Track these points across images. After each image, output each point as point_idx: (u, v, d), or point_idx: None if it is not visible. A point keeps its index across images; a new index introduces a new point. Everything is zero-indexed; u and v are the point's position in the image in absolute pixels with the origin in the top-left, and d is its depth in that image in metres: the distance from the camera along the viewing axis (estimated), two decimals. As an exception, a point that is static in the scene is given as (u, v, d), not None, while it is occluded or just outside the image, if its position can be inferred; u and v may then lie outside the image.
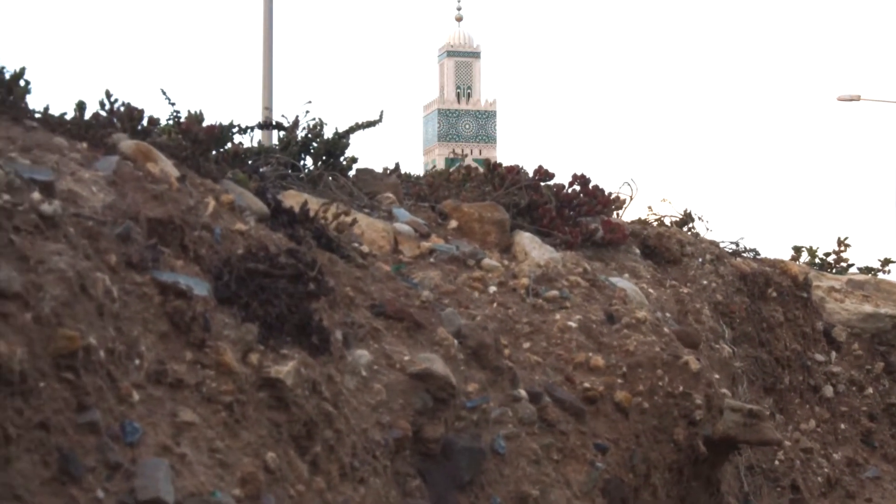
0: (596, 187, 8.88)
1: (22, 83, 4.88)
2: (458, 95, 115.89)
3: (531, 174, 8.38)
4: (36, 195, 3.76)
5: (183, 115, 6.89)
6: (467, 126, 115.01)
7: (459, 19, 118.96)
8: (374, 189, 7.43)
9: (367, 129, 7.32)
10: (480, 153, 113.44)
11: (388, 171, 8.76)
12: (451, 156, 9.38)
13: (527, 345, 5.94)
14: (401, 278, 5.59)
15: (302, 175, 7.01)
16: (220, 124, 5.92)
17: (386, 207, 6.90)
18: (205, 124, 6.25)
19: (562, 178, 8.59)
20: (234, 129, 7.31)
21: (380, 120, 7.45)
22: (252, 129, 7.54)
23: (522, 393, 5.51)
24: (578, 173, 8.79)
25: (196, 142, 5.05)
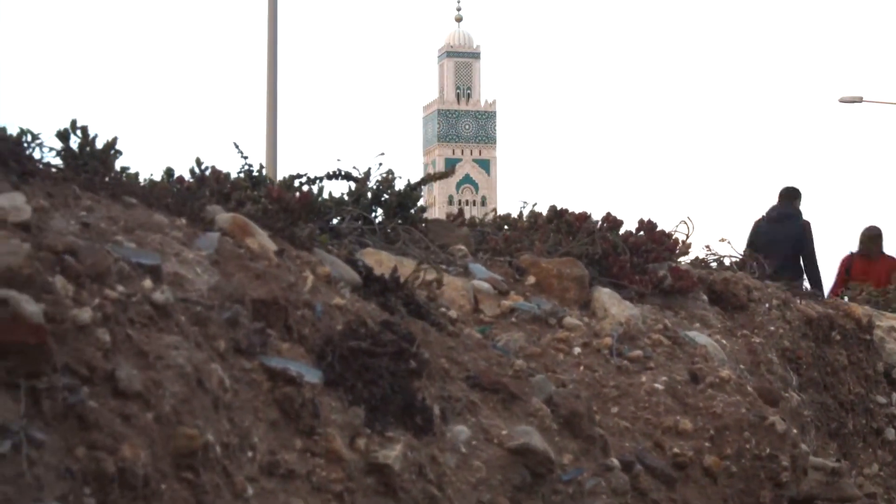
0: (662, 232, 8.76)
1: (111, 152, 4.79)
2: (457, 96, 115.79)
3: (599, 221, 8.26)
4: (147, 283, 3.66)
5: (254, 167, 6.82)
6: (467, 126, 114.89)
7: (459, 20, 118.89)
8: (445, 241, 7.33)
9: (439, 181, 7.21)
10: (480, 154, 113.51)
11: (453, 218, 8.67)
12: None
13: (615, 409, 5.81)
14: (491, 345, 5.47)
15: (375, 227, 6.91)
16: (312, 191, 5.82)
17: (461, 262, 6.78)
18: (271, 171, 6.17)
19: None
20: (302, 180, 7.22)
21: (452, 172, 7.34)
22: (321, 179, 7.46)
23: (615, 462, 5.38)
24: (645, 219, 8.68)
25: (288, 210, 4.95)
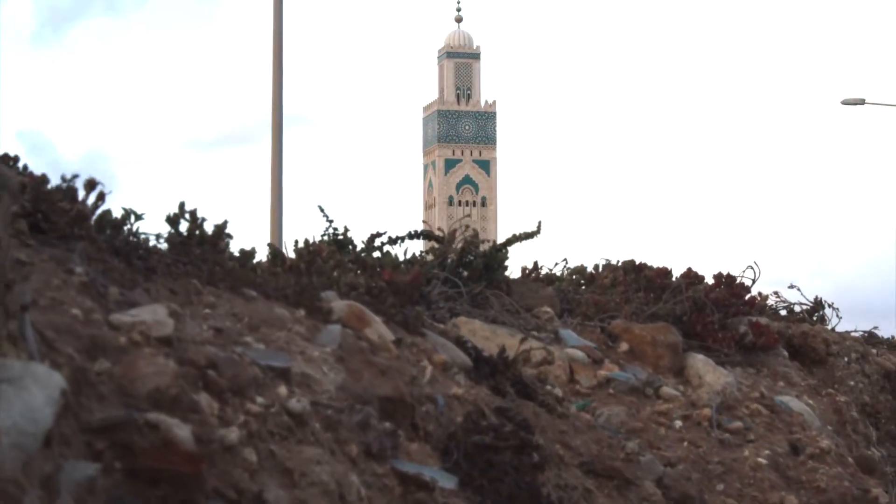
0: (741, 286, 8.61)
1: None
2: (457, 96, 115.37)
3: (678, 277, 8.13)
4: (282, 390, 3.56)
5: (339, 230, 6.72)
6: (467, 127, 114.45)
7: (459, 20, 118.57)
8: (529, 302, 7.21)
9: (525, 241, 7.10)
10: (480, 154, 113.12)
11: (528, 273, 8.54)
12: None
13: (720, 486, 5.67)
14: (600, 426, 5.35)
15: (461, 290, 6.79)
16: (420, 268, 5.71)
17: (551, 328, 6.66)
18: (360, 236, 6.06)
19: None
20: (384, 239, 7.12)
21: (538, 231, 7.23)
22: (402, 239, 7.36)
23: (726, 545, 5.24)
24: (724, 273, 8.54)
25: (398, 293, 4.85)
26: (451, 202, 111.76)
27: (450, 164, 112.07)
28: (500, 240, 8.14)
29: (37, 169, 3.99)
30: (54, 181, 3.87)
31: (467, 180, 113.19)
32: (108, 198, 3.97)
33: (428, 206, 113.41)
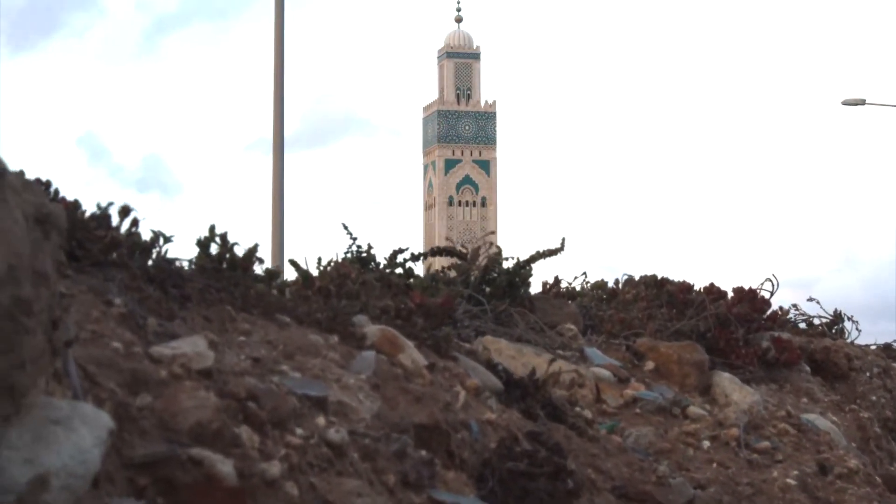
0: (763, 300, 8.57)
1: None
2: (457, 97, 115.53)
3: (701, 291, 8.09)
4: (321, 421, 3.54)
5: (363, 247, 6.69)
6: (467, 127, 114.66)
7: (459, 20, 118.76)
8: (552, 318, 7.17)
9: (548, 258, 7.06)
10: (480, 154, 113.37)
11: (548, 288, 8.51)
12: None
13: (750, 508, 5.63)
14: (630, 449, 5.31)
15: (486, 308, 6.76)
16: (451, 296, 5.69)
17: (576, 347, 6.63)
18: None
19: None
20: (406, 256, 7.09)
21: (562, 248, 7.20)
22: (425, 256, 7.34)
23: (757, 568, 5.21)
24: (745, 288, 8.50)
25: (428, 316, 4.82)
26: (451, 202, 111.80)
27: (450, 165, 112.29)
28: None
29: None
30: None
31: (467, 180, 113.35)
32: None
33: (428, 207, 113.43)
